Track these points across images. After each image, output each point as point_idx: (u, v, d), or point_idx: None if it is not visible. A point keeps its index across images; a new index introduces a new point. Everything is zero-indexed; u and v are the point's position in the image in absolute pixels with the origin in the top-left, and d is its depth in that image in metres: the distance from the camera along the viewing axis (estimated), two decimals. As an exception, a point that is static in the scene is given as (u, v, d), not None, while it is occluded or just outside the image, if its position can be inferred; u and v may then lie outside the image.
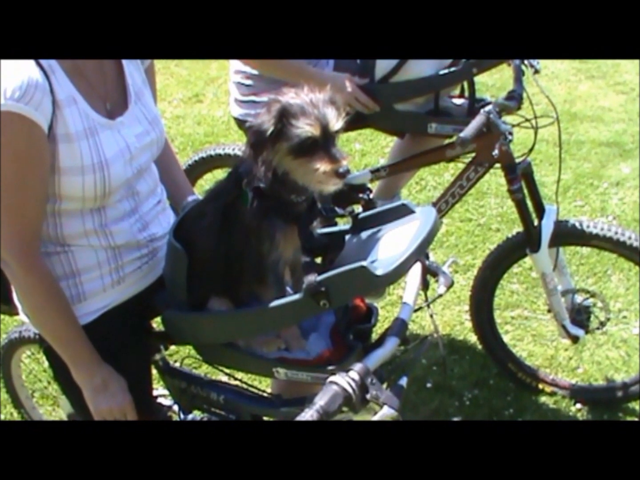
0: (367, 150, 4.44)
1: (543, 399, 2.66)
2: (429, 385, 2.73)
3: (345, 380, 1.22)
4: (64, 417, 2.25)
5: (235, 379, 1.75)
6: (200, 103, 5.21)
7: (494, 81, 5.08)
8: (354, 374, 1.24)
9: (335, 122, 1.33)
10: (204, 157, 2.98)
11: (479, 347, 2.81)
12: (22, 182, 1.41)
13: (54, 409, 2.65)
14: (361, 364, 1.26)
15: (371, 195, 2.55)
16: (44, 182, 1.44)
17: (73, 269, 1.58)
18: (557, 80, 5.28)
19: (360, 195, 2.52)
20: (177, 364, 1.88)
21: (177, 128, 4.82)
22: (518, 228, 2.45)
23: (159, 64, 5.61)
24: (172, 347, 2.32)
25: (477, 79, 2.38)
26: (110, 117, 1.51)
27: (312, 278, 1.30)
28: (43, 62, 1.38)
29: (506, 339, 2.88)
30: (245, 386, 1.72)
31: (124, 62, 1.57)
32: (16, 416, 2.58)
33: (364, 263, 1.25)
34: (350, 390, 1.21)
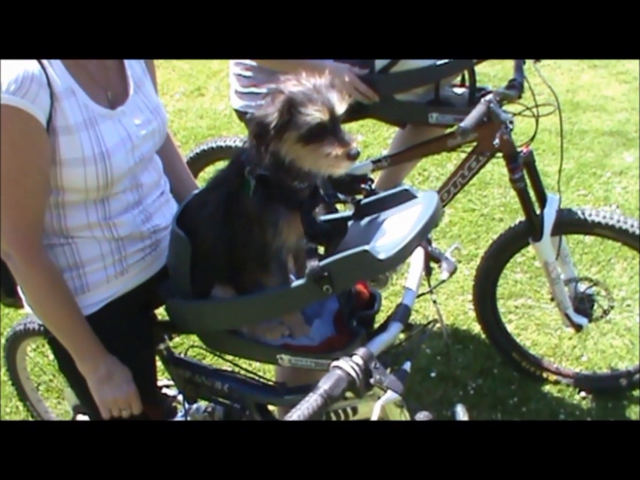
0: (370, 142, 4.44)
1: (547, 387, 2.67)
2: (433, 374, 2.74)
3: (349, 364, 1.23)
4: (69, 410, 2.26)
5: (240, 367, 1.76)
6: (202, 97, 5.22)
7: (495, 72, 5.08)
8: (357, 359, 1.24)
9: (340, 106, 1.33)
10: (205, 149, 2.99)
11: (483, 336, 2.81)
12: (21, 174, 1.42)
13: (59, 401, 2.67)
14: (365, 349, 1.27)
15: (373, 186, 2.55)
16: (43, 174, 1.45)
17: (77, 260, 1.58)
18: (559, 70, 5.27)
19: (362, 185, 2.52)
20: (182, 354, 1.89)
21: (180, 122, 4.82)
22: (521, 218, 2.44)
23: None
24: (177, 339, 2.34)
25: (479, 69, 2.39)
26: (112, 106, 1.51)
27: (314, 263, 1.30)
28: None
29: (510, 328, 2.88)
30: (249, 375, 1.72)
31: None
32: (22, 409, 2.60)
33: (366, 247, 1.25)
34: (354, 374, 1.22)
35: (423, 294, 1.54)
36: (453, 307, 3.09)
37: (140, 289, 1.68)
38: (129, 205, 1.60)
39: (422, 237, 1.31)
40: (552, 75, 5.14)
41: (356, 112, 2.41)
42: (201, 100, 5.16)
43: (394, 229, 1.37)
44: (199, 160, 3.05)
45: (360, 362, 1.24)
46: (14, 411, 2.65)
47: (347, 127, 3.93)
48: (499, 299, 2.77)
